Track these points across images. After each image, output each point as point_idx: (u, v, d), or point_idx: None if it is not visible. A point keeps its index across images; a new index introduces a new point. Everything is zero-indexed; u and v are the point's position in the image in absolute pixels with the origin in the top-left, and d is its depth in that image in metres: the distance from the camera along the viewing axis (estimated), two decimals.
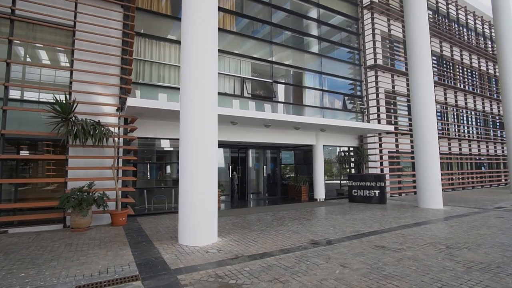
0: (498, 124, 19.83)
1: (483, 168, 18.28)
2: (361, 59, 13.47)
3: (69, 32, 7.25)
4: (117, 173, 7.26)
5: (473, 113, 18.11)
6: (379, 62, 13.25)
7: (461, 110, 17.30)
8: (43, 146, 7.35)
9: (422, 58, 9.54)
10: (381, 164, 12.72)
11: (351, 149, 13.19)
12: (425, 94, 9.41)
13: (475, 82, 18.42)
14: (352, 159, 13.18)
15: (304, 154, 13.15)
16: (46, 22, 6.91)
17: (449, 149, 15.76)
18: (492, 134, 19.10)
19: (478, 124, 18.43)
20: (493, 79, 20.17)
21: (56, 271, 3.74)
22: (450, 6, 17.68)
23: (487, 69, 19.61)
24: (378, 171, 12.50)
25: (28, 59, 7.22)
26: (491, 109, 19.40)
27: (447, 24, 17.12)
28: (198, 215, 5.01)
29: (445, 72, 16.45)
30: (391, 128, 11.73)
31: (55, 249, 4.74)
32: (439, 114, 16.01)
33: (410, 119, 14.18)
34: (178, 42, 8.95)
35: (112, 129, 7.18)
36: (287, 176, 13.63)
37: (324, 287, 3.14)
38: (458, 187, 15.96)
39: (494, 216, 7.51)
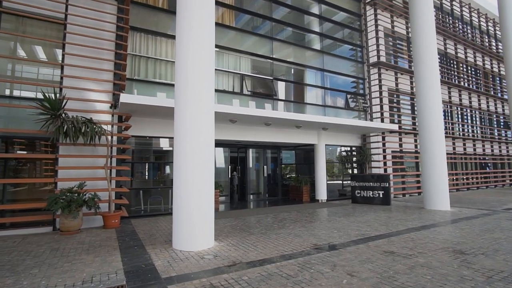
0: (502, 123, 19.47)
1: (487, 168, 17.92)
2: (364, 56, 13.13)
3: (60, 26, 6.92)
4: (110, 173, 6.94)
5: (477, 112, 17.75)
6: (382, 59, 12.91)
7: (465, 109, 16.95)
8: (35, 145, 7.02)
9: (428, 56, 9.19)
10: (385, 164, 12.37)
11: (354, 148, 12.85)
12: (431, 92, 9.06)
13: (479, 80, 18.06)
14: (354, 159, 12.83)
15: (306, 153, 12.81)
16: (35, 14, 6.59)
17: (454, 148, 15.40)
18: (496, 134, 18.74)
19: (483, 123, 18.07)
20: (497, 78, 19.81)
21: (36, 280, 3.41)
22: (454, 3, 17.34)
23: (492, 67, 19.26)
24: (381, 171, 12.16)
25: (17, 54, 6.89)
26: (496, 108, 19.04)
27: (451, 21, 16.77)
28: (194, 218, 4.68)
29: (450, 70, 16.09)
30: (395, 127, 11.39)
31: (39, 255, 4.41)
32: (443, 113, 15.65)
33: (413, 118, 13.88)
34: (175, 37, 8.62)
35: (105, 127, 6.85)
36: (288, 176, 13.29)
37: None
38: (462, 188, 15.60)
39: (506, 218, 7.16)
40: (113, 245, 4.97)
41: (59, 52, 6.95)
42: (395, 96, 13.37)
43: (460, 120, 16.62)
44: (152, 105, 6.74)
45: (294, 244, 4.88)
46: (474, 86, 17.53)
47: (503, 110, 19.47)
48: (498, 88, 19.63)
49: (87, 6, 7.07)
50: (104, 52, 7.22)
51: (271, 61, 10.66)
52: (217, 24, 9.60)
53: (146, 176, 9.19)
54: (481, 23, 19.09)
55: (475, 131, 17.39)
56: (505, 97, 19.81)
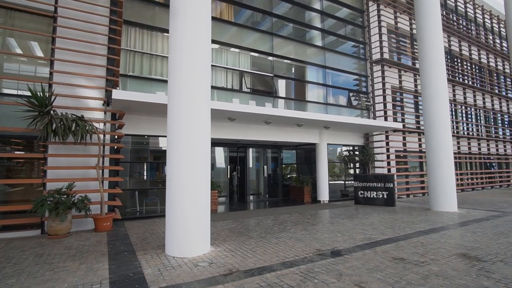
0: (507, 122, 19.11)
1: (492, 168, 17.56)
2: (367, 53, 12.79)
3: (50, 20, 6.60)
4: (102, 173, 6.62)
5: (481, 111, 17.39)
6: (386, 56, 12.57)
7: (469, 108, 16.60)
8: (23, 145, 6.69)
9: (435, 53, 8.86)
10: (388, 164, 12.03)
11: (356, 148, 12.51)
12: (438, 91, 8.72)
13: (484, 78, 17.70)
14: (357, 159, 12.50)
15: (307, 153, 12.47)
16: (23, 6, 6.27)
17: (458, 148, 15.05)
18: (501, 133, 18.38)
19: (488, 122, 17.71)
20: (502, 76, 19.44)
21: None
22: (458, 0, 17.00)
23: (496, 65, 18.89)
24: (384, 171, 11.82)
25: (2, 48, 6.57)
26: (500, 107, 18.68)
27: (455, 18, 16.42)
28: (188, 222, 4.35)
29: (454, 68, 15.74)
30: (399, 125, 11.06)
31: (21, 261, 4.09)
32: None
33: (417, 117, 13.54)
34: None
35: (97, 124, 6.53)
36: (288, 176, 12.96)
37: None
38: (467, 188, 15.25)
39: None
40: (102, 250, 4.64)
41: (48, 47, 6.61)
42: (398, 94, 13.02)
43: (464, 119, 16.28)
44: (147, 102, 6.42)
45: (295, 250, 4.55)
46: (479, 84, 17.17)
47: (508, 108, 19.12)
48: (503, 86, 19.27)
49: None
50: (96, 46, 6.90)
51: (271, 57, 10.32)
52: (215, 19, 9.31)
53: (143, 177, 8.86)
54: (486, 20, 18.73)
55: (479, 130, 17.03)
56: (510, 95, 19.47)
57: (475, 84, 16.89)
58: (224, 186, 11.07)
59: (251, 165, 11.98)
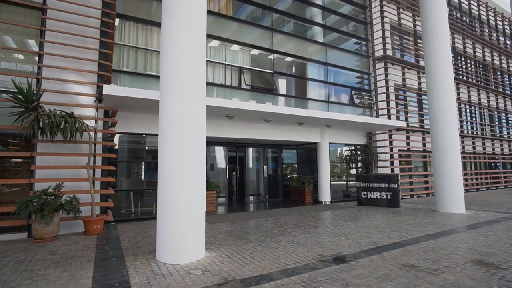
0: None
1: (497, 168, 17.20)
2: (369, 50, 12.46)
3: (39, 13, 6.28)
4: (94, 173, 6.30)
5: (486, 110, 17.04)
6: (389, 53, 12.23)
7: (473, 107, 16.26)
8: (8, 143, 6.38)
9: (441, 50, 8.54)
10: (392, 163, 11.70)
11: (358, 147, 12.18)
12: (445, 88, 8.40)
13: (488, 77, 17.35)
14: (360, 158, 12.17)
15: (308, 153, 12.14)
16: None
17: (463, 147, 14.71)
18: (505, 133, 18.03)
19: (492, 121, 17.36)
20: (506, 75, 19.09)
21: None
22: None
23: (500, 63, 18.54)
24: (388, 171, 11.49)
25: None
26: (505, 106, 18.33)
27: (459, 15, 16.08)
28: (181, 225, 4.03)
29: (458, 66, 15.40)
30: (403, 124, 10.71)
31: None
32: None
33: (421, 115, 13.21)
34: None
35: (87, 122, 6.22)
36: (289, 176, 12.63)
37: None
38: (472, 189, 14.90)
39: None
40: (89, 255, 4.32)
41: (37, 41, 6.30)
42: (402, 92, 12.69)
43: (469, 118, 15.94)
44: (140, 98, 6.10)
45: (297, 255, 4.22)
46: (483, 83, 16.82)
47: None
48: (507, 85, 18.92)
49: None
50: (88, 40, 6.58)
51: (272, 54, 10.00)
52: (213, 13, 9.01)
53: (139, 177, 8.54)
54: (490, 17, 18.39)
55: (484, 130, 16.68)
56: None
57: (480, 82, 16.55)
58: (223, 187, 10.77)
59: (251, 165, 11.66)
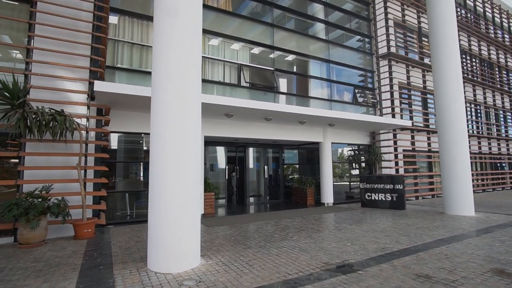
0: None
1: (504, 168, 16.83)
2: (373, 48, 12.13)
3: (27, 6, 5.99)
4: (85, 174, 5.99)
5: (492, 109, 16.69)
6: (393, 50, 11.90)
7: (479, 106, 15.91)
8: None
9: (449, 48, 8.20)
10: (396, 164, 11.36)
11: (362, 147, 11.84)
12: (453, 86, 8.07)
13: (494, 75, 16.99)
14: (363, 158, 11.83)
15: (310, 153, 11.81)
16: None
17: (469, 147, 14.33)
18: (510, 132, 17.67)
19: (498, 121, 16.99)
20: (511, 74, 18.72)
21: None
22: None
23: (506, 62, 18.18)
24: (392, 171, 11.15)
25: None
26: (511, 106, 17.95)
27: (463, 12, 15.74)
28: (174, 231, 3.71)
29: (463, 64, 15.05)
30: (408, 123, 10.38)
31: None
32: None
33: (425, 114, 12.87)
34: None
35: (78, 120, 5.91)
36: (290, 177, 12.30)
37: None
38: (477, 190, 14.54)
39: None
40: (75, 263, 4.00)
41: (23, 34, 6.00)
42: (407, 90, 12.35)
43: (474, 117, 15.58)
44: (134, 95, 5.80)
45: (299, 263, 3.89)
46: (489, 82, 16.46)
47: None
48: None
49: None
50: (79, 34, 6.28)
51: (272, 51, 9.68)
52: (212, 8, 8.69)
53: (135, 177, 8.23)
54: (495, 15, 18.03)
55: (490, 129, 16.32)
56: None
57: (485, 81, 16.19)
58: (222, 188, 10.46)
59: (251, 166, 11.34)
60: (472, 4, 16.64)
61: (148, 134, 7.40)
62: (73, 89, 6.12)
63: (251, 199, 11.14)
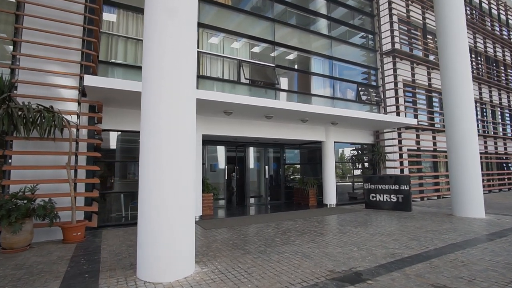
0: None
1: (510, 169, 16.45)
2: (376, 44, 11.79)
3: None
4: (76, 174, 5.68)
5: (498, 108, 16.32)
6: (397, 46, 11.56)
7: (485, 105, 15.54)
8: None
9: (459, 45, 7.87)
10: (401, 163, 11.02)
11: (365, 146, 11.50)
12: (463, 85, 7.73)
13: (500, 74, 16.62)
14: (366, 158, 11.49)
15: (312, 152, 11.49)
16: None
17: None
18: None
19: (504, 120, 16.62)
20: None
21: None
22: None
23: None
24: (397, 171, 10.81)
25: None
26: None
27: (468, 9, 15.38)
28: (165, 236, 3.39)
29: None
30: (414, 121, 10.04)
31: None
32: None
33: (430, 113, 12.52)
34: None
35: (68, 117, 5.60)
36: (291, 177, 11.97)
37: None
38: (484, 190, 14.10)
39: None
40: (59, 270, 3.69)
41: (10, 27, 5.69)
42: (411, 88, 12.00)
43: (480, 116, 15.21)
44: (127, 91, 5.48)
45: (303, 271, 3.57)
46: (495, 80, 16.09)
47: None
48: None
49: None
50: (71, 27, 5.97)
51: (273, 46, 9.36)
52: (211, 2, 8.38)
53: (131, 178, 7.91)
54: (501, 12, 17.67)
55: (496, 129, 15.94)
56: None
57: (491, 79, 15.82)
58: (222, 188, 10.14)
59: (251, 166, 11.02)
60: (477, 1, 16.28)
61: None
62: (64, 84, 5.81)
63: (251, 200, 10.82)
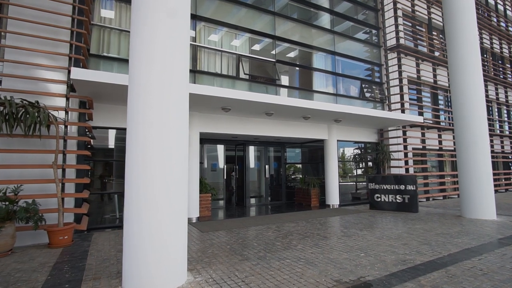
0: None
1: None
2: (381, 40, 11.43)
3: None
4: (64, 173, 5.35)
5: (504, 106, 15.93)
6: (402, 42, 11.19)
7: (490, 103, 15.15)
8: None
9: (469, 41, 7.51)
10: (406, 163, 10.66)
11: (369, 145, 11.15)
12: (473, 83, 7.39)
13: (506, 71, 16.23)
14: (370, 157, 11.13)
15: (314, 151, 11.13)
16: None
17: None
18: None
19: (511, 118, 16.23)
20: None
21: None
22: None
23: None
24: (402, 171, 10.45)
25: None
26: None
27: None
28: (153, 241, 3.05)
29: None
30: (420, 119, 9.68)
31: None
32: None
33: (436, 110, 12.16)
34: None
35: (56, 113, 5.27)
36: (293, 177, 11.63)
37: None
38: None
39: None
40: (38, 279, 3.35)
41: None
42: (417, 85, 11.63)
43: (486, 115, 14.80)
44: (117, 85, 5.14)
45: (306, 281, 3.22)
46: (502, 77, 15.71)
47: None
48: None
49: None
50: (59, 17, 5.64)
51: (274, 40, 9.00)
52: None
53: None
54: (507, 8, 17.26)
55: (503, 127, 15.56)
56: None
57: (498, 76, 15.42)
58: (221, 188, 9.80)
59: (251, 165, 10.68)
60: None
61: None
62: (51, 78, 5.48)
63: (251, 200, 10.48)
